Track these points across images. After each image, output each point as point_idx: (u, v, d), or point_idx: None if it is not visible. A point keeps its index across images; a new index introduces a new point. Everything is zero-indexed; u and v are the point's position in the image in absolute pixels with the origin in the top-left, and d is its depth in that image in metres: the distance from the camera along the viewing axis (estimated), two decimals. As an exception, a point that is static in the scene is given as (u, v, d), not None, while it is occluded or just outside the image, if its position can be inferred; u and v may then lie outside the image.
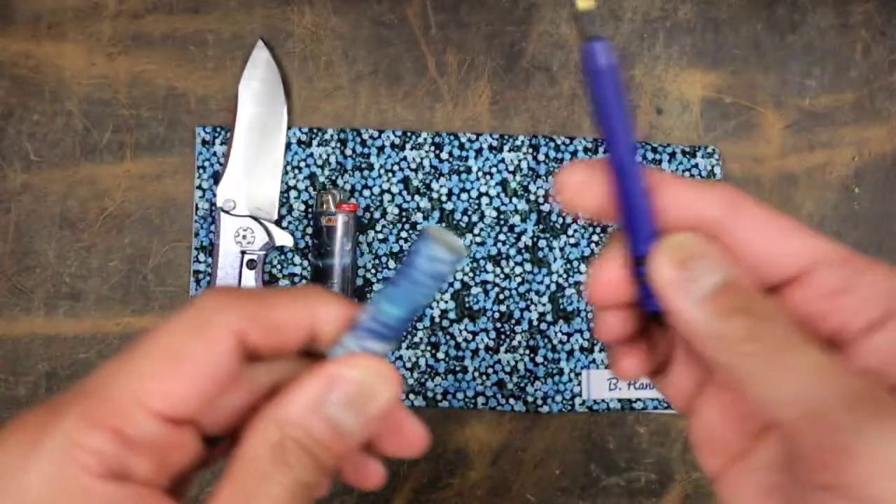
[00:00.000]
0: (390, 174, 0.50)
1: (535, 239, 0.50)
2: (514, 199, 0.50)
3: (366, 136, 0.50)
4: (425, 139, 0.50)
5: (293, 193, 0.49)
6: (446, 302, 0.49)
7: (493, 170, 0.50)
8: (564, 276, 0.50)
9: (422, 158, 0.50)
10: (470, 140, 0.50)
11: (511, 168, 0.50)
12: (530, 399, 0.49)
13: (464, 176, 0.50)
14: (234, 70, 0.50)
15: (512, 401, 0.49)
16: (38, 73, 0.49)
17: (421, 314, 0.49)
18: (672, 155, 0.51)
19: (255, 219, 0.48)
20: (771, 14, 0.52)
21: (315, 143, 0.50)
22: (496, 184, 0.50)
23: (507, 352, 0.49)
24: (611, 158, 0.20)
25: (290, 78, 0.50)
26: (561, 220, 0.50)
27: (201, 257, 0.48)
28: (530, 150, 0.50)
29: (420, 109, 0.50)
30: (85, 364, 0.48)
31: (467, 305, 0.50)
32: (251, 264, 0.47)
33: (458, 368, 0.49)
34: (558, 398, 0.49)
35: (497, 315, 0.49)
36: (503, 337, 0.49)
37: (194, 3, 0.50)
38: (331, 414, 0.20)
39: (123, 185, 0.49)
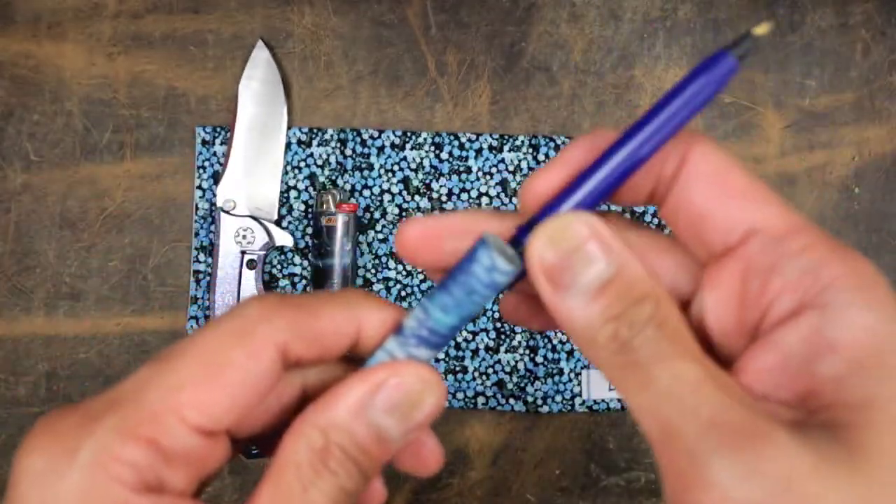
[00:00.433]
0: (390, 174, 0.50)
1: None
2: (515, 199, 0.50)
3: (366, 136, 0.50)
4: (425, 139, 0.50)
5: (293, 193, 0.49)
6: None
7: (494, 170, 0.50)
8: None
9: (422, 158, 0.50)
10: (470, 140, 0.50)
11: (511, 168, 0.50)
12: (530, 399, 0.49)
13: (464, 176, 0.50)
14: (234, 70, 0.50)
15: (512, 401, 0.49)
16: (38, 73, 0.49)
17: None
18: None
19: (255, 219, 0.48)
20: (771, 14, 0.52)
21: (315, 143, 0.50)
22: (496, 184, 0.50)
23: (507, 352, 0.49)
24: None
25: (290, 78, 0.50)
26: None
27: (201, 257, 0.48)
28: (530, 151, 0.50)
29: (420, 109, 0.50)
30: (85, 364, 0.48)
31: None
32: (251, 264, 0.47)
33: (458, 368, 0.49)
34: (558, 398, 0.49)
35: (497, 315, 0.49)
36: (503, 337, 0.49)
37: (194, 3, 0.50)
38: (375, 420, 0.19)
39: (123, 185, 0.49)
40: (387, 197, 0.50)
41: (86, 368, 0.48)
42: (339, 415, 0.19)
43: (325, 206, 0.47)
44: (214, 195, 0.49)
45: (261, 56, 0.49)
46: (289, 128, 0.50)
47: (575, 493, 0.49)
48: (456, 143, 0.50)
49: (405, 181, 0.50)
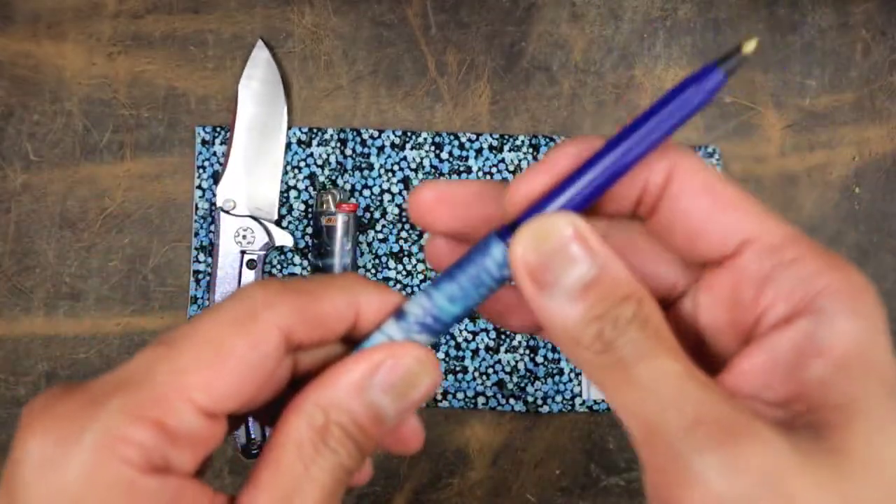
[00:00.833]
0: (390, 174, 0.50)
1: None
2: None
3: (366, 136, 0.50)
4: (425, 139, 0.50)
5: (293, 193, 0.49)
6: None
7: (494, 170, 0.50)
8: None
9: (422, 158, 0.50)
10: (470, 140, 0.50)
11: (511, 168, 0.50)
12: (530, 399, 0.49)
13: (464, 176, 0.50)
14: (234, 70, 0.50)
15: (512, 401, 0.49)
16: (37, 73, 0.49)
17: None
18: (672, 155, 0.51)
19: (255, 219, 0.48)
20: (771, 14, 0.52)
21: (315, 142, 0.50)
22: (496, 184, 0.50)
23: (507, 352, 0.49)
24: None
25: (290, 78, 0.50)
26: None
27: (201, 257, 0.48)
28: (530, 150, 0.50)
29: (420, 109, 0.50)
30: (85, 364, 0.48)
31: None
32: (251, 264, 0.47)
33: (458, 368, 0.49)
34: (558, 398, 0.49)
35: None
36: (503, 337, 0.49)
37: (194, 3, 0.50)
38: (373, 399, 0.20)
39: (123, 184, 0.49)
40: (387, 197, 0.50)
41: (86, 368, 0.48)
42: (339, 394, 0.20)
43: (325, 205, 0.47)
44: (214, 195, 0.49)
45: (261, 56, 0.49)
46: (289, 127, 0.49)
47: (575, 493, 0.49)
48: (456, 143, 0.50)
49: (405, 181, 0.50)
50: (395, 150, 0.50)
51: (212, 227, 0.49)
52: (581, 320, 0.18)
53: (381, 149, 0.50)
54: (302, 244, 0.49)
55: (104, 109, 0.49)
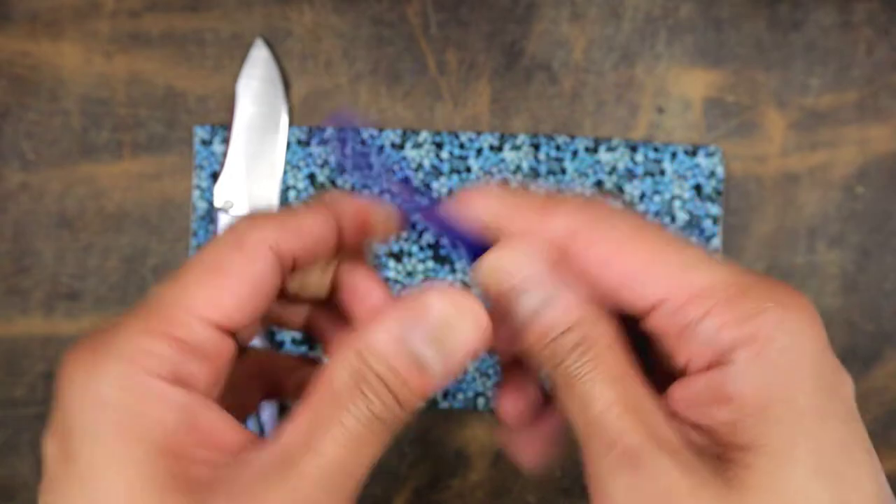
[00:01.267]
0: (390, 174, 0.50)
1: (535, 239, 0.50)
2: (515, 199, 0.50)
3: (365, 136, 0.50)
4: (425, 139, 0.50)
5: (293, 193, 0.49)
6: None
7: (494, 169, 0.50)
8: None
9: (422, 158, 0.50)
10: (470, 139, 0.50)
11: (512, 168, 0.50)
12: (531, 400, 0.49)
13: (464, 175, 0.50)
14: (233, 69, 0.49)
15: (512, 402, 0.49)
16: (35, 72, 0.49)
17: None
18: (674, 155, 0.51)
19: (254, 218, 0.47)
20: (773, 12, 0.52)
21: (314, 142, 0.49)
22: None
23: (507, 352, 0.49)
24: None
25: (290, 77, 0.50)
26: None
27: (200, 257, 0.48)
28: (531, 150, 0.50)
29: (420, 109, 0.50)
30: (83, 365, 0.48)
31: (468, 306, 0.49)
32: (250, 264, 0.47)
33: (458, 369, 0.49)
34: (559, 399, 0.49)
35: (497, 315, 0.49)
36: (504, 337, 0.49)
37: (193, 2, 0.50)
38: (414, 347, 0.20)
39: (122, 184, 0.49)
40: (387, 197, 0.49)
41: (84, 369, 0.48)
42: (377, 340, 0.20)
43: (324, 205, 0.47)
44: (213, 195, 0.48)
45: (260, 55, 0.49)
46: (288, 127, 0.49)
47: (576, 495, 0.49)
48: (456, 142, 0.50)
49: (405, 180, 0.50)
50: (395, 149, 0.50)
51: (210, 227, 0.48)
52: (536, 344, 0.21)
53: (380, 148, 0.50)
54: (301, 244, 0.49)
55: (102, 108, 0.49)
